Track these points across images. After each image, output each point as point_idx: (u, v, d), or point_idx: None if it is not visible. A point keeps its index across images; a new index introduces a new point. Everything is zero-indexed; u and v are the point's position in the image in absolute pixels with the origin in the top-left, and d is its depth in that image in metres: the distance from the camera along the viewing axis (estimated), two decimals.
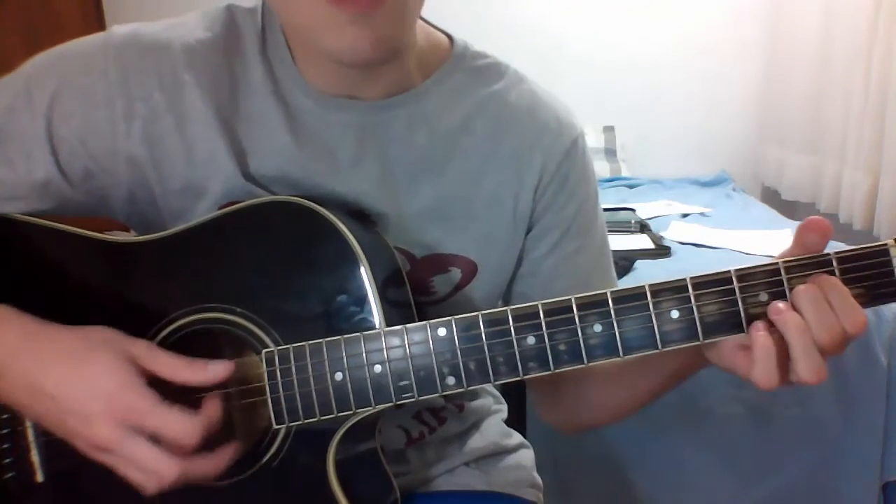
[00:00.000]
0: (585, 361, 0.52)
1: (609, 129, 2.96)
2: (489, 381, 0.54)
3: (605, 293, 0.52)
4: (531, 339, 0.53)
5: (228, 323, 0.58)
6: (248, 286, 0.59)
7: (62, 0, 2.71)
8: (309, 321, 0.57)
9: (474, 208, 0.67)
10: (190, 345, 0.58)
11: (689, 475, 1.50)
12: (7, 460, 0.61)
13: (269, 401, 0.56)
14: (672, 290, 0.51)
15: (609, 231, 0.74)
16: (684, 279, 0.51)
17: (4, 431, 0.61)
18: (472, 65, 0.68)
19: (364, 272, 0.56)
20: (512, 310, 0.53)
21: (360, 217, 0.64)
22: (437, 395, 0.54)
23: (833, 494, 1.47)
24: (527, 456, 0.86)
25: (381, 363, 0.54)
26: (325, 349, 0.55)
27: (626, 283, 0.53)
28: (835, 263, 0.50)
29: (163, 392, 0.53)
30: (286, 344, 0.56)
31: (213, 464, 0.54)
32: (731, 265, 0.51)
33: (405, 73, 0.64)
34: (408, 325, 0.54)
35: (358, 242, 0.57)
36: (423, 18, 0.67)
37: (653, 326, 0.51)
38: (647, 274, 1.57)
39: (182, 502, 0.56)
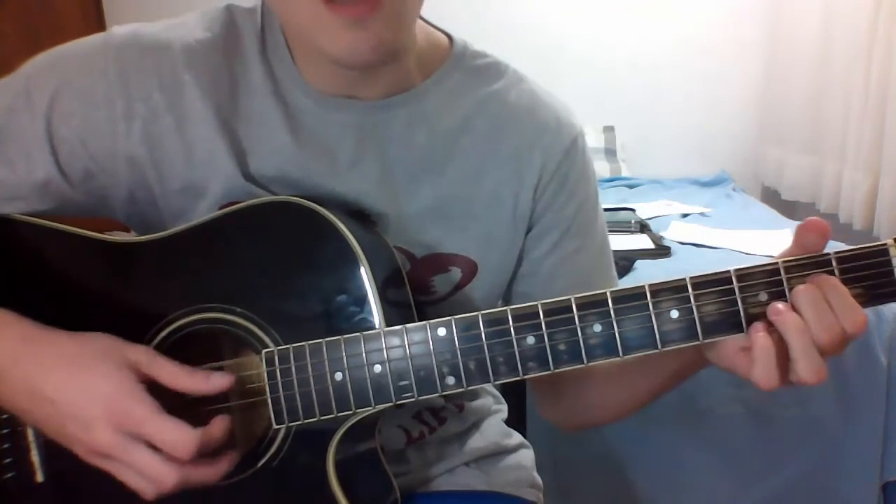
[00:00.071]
0: (585, 361, 0.52)
1: (609, 129, 2.96)
2: (489, 381, 0.54)
3: (605, 293, 0.52)
4: (531, 339, 0.53)
5: (228, 323, 0.58)
6: (248, 286, 0.59)
7: (62, 0, 2.71)
8: (309, 321, 0.57)
9: (474, 208, 0.67)
10: (190, 345, 0.58)
11: (689, 475, 1.50)
12: (7, 460, 0.61)
13: (269, 401, 0.56)
14: (672, 290, 0.51)
15: (609, 231, 0.74)
16: (684, 279, 0.51)
17: (4, 431, 0.61)
18: (472, 64, 0.68)
19: (364, 272, 0.56)
20: (512, 310, 0.53)
21: (360, 217, 0.64)
22: (436, 394, 0.54)
23: (833, 494, 1.47)
24: (527, 456, 0.86)
25: (381, 363, 0.54)
26: (324, 349, 0.55)
27: (626, 283, 0.53)
28: (834, 263, 0.50)
29: (163, 396, 0.54)
30: (286, 344, 0.56)
31: (212, 470, 0.54)
32: (731, 265, 0.51)
33: (405, 72, 0.64)
34: (407, 325, 0.54)
35: (358, 242, 0.57)
36: (422, 18, 0.67)
37: (652, 326, 0.51)
38: (647, 274, 1.57)
39: (182, 502, 0.56)
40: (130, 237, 0.63)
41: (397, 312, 0.58)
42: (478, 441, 0.81)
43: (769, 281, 0.50)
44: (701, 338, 0.51)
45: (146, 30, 0.63)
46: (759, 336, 0.50)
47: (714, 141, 3.03)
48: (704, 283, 0.51)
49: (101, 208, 0.65)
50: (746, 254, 1.71)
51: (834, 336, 0.49)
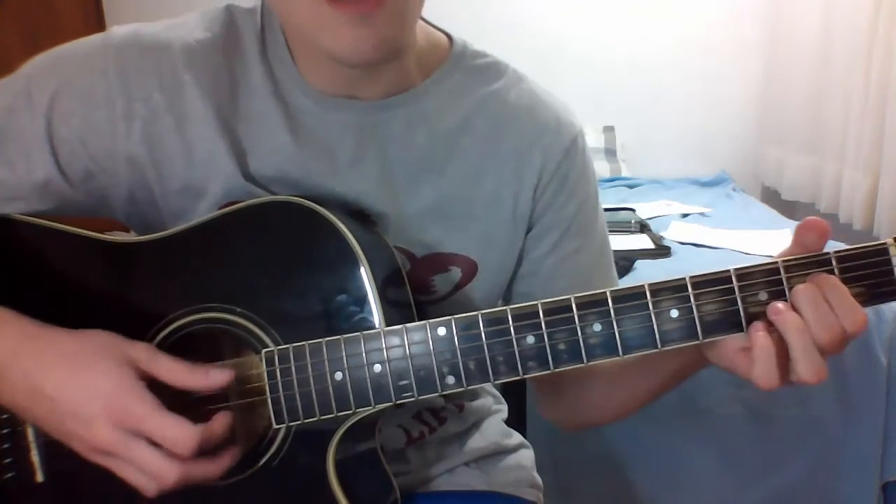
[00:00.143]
0: (585, 361, 0.52)
1: (609, 129, 2.96)
2: (489, 381, 0.54)
3: (605, 292, 0.52)
4: (531, 339, 0.53)
5: (228, 323, 0.58)
6: (247, 286, 0.59)
7: (62, 0, 2.71)
8: (309, 321, 0.57)
9: (474, 208, 0.67)
10: (190, 345, 0.58)
11: (690, 475, 1.50)
12: (7, 460, 0.61)
13: (269, 400, 0.56)
14: (671, 290, 0.51)
15: (609, 231, 0.74)
16: (684, 278, 0.51)
17: (4, 431, 0.61)
18: (472, 64, 0.68)
19: (364, 272, 0.56)
20: (511, 309, 0.53)
21: (360, 217, 0.64)
22: (436, 394, 0.54)
23: (833, 494, 1.47)
24: (527, 456, 0.86)
25: (381, 363, 0.54)
26: (324, 349, 0.55)
27: (626, 283, 0.53)
28: (834, 262, 0.50)
29: (164, 394, 0.54)
30: (286, 344, 0.56)
31: (214, 466, 0.54)
32: (731, 265, 0.51)
33: (405, 72, 0.64)
34: (407, 325, 0.54)
35: (358, 242, 0.57)
36: (422, 18, 0.67)
37: (652, 326, 0.51)
38: (647, 274, 1.57)
39: (182, 502, 0.56)
40: (130, 237, 0.63)
41: (397, 312, 0.58)
42: (478, 441, 0.81)
43: (769, 280, 0.50)
44: (701, 337, 0.51)
45: (146, 30, 0.63)
46: (758, 336, 0.50)
47: (714, 141, 3.03)
48: (704, 282, 0.51)
49: (101, 208, 0.65)
50: (746, 254, 1.71)
51: (834, 335, 0.49)
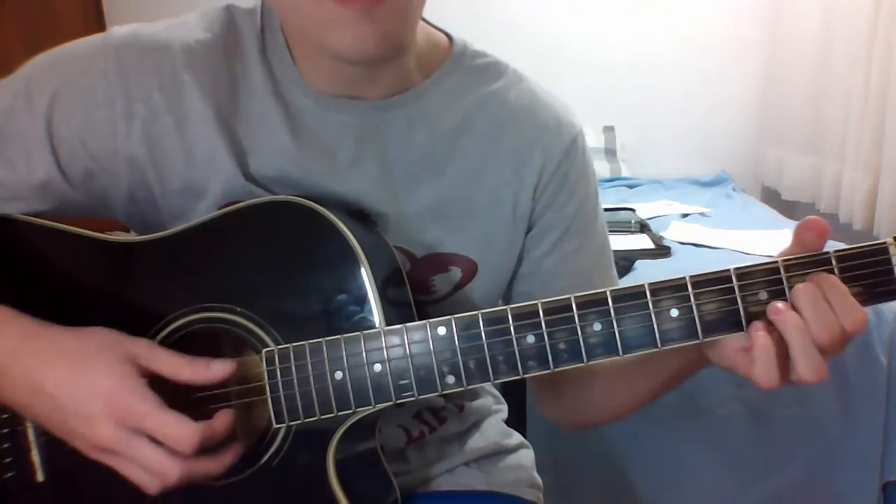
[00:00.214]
0: (585, 360, 0.52)
1: (609, 129, 2.96)
2: (489, 380, 0.54)
3: (605, 292, 0.52)
4: (531, 338, 0.53)
5: (228, 322, 0.58)
6: (248, 286, 0.59)
7: (62, 0, 2.71)
8: (309, 321, 0.58)
9: (474, 208, 0.67)
10: (190, 344, 0.58)
11: (689, 475, 1.50)
12: (7, 460, 0.61)
13: (269, 400, 0.56)
14: (671, 289, 0.51)
15: (609, 231, 0.74)
16: (684, 278, 0.51)
17: (4, 431, 0.61)
18: (472, 64, 0.68)
19: (364, 272, 0.56)
20: (511, 309, 0.53)
21: (360, 217, 0.64)
22: (436, 394, 0.54)
23: (833, 494, 1.47)
24: (527, 456, 0.86)
25: (381, 362, 0.54)
26: (324, 348, 0.55)
27: (626, 283, 0.53)
28: (834, 262, 0.50)
29: (165, 392, 0.54)
30: (286, 343, 0.56)
31: (216, 464, 0.55)
32: (731, 265, 0.51)
33: (405, 72, 0.65)
34: (407, 325, 0.55)
35: (358, 242, 0.57)
36: (422, 18, 0.67)
37: (652, 325, 0.51)
38: (646, 274, 1.57)
39: (182, 502, 0.56)
40: (130, 237, 0.63)
41: (397, 312, 0.58)
42: (478, 441, 0.81)
43: (769, 280, 0.50)
44: (701, 336, 0.51)
45: (146, 30, 0.63)
46: (759, 335, 0.50)
47: (714, 141, 3.03)
48: (704, 281, 0.51)
49: (101, 208, 0.66)
50: (746, 254, 1.71)
51: (834, 335, 0.49)
